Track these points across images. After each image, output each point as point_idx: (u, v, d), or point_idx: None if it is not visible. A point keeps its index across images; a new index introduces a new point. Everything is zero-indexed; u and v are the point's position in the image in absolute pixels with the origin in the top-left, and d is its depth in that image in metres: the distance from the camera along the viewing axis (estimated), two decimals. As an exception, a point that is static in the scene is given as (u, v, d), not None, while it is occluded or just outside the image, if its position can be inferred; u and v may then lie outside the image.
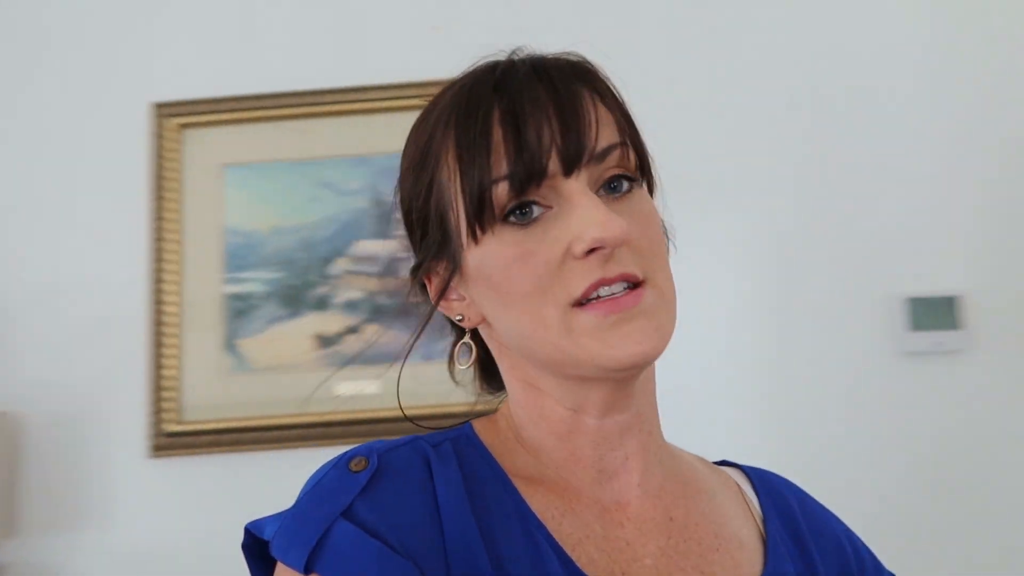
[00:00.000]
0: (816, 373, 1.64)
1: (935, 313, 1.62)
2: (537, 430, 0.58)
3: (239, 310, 1.65)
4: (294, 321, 1.65)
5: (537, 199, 0.52)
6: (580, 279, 0.50)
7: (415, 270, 0.61)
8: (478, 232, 0.53)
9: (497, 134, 0.52)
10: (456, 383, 0.67)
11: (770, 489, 0.66)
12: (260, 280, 1.66)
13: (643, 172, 0.56)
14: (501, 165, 0.51)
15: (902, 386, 1.62)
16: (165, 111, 1.71)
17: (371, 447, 0.53)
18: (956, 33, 1.74)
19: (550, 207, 0.52)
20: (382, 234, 1.67)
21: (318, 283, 1.65)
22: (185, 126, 1.70)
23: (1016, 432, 1.60)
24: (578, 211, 0.50)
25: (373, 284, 1.65)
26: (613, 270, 0.50)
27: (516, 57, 0.57)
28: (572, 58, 0.58)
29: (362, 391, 1.60)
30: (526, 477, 0.56)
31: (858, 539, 0.68)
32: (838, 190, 1.70)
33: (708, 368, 1.63)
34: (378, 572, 0.46)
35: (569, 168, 0.51)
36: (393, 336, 1.60)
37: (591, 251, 0.50)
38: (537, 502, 0.54)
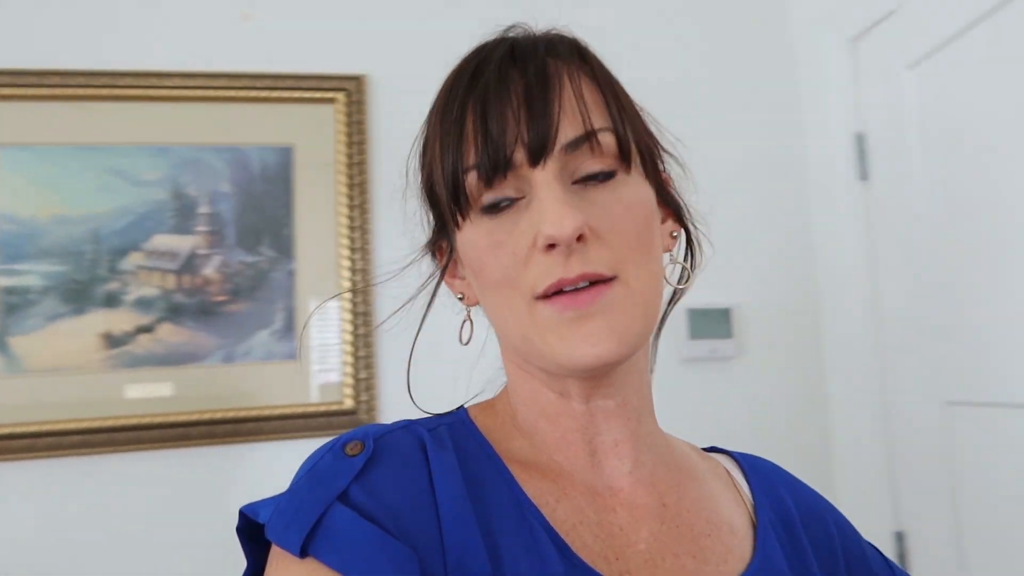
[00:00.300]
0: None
1: (711, 323, 1.79)
2: (529, 412, 0.58)
3: (13, 305, 1.50)
4: (78, 319, 1.52)
5: (509, 192, 0.52)
6: (543, 274, 0.50)
7: (426, 245, 0.62)
8: (458, 219, 0.54)
9: (469, 123, 0.52)
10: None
11: (760, 475, 0.66)
12: (38, 273, 1.52)
13: (628, 157, 0.54)
14: (470, 155, 0.52)
15: (684, 389, 1.78)
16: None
17: (366, 431, 0.53)
18: (718, 63, 1.93)
19: (522, 196, 0.52)
20: (182, 229, 1.58)
21: (108, 278, 1.54)
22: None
23: (778, 428, 1.81)
24: (540, 204, 0.50)
25: (171, 281, 1.57)
26: (574, 268, 0.50)
27: (507, 35, 0.57)
28: (551, 35, 0.57)
29: (154, 394, 1.52)
30: (521, 462, 0.56)
31: (842, 517, 0.68)
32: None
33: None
34: (374, 555, 0.45)
35: (535, 158, 0.51)
36: (189, 336, 1.54)
37: (551, 246, 0.50)
38: (532, 487, 0.54)
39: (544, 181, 0.50)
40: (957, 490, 1.46)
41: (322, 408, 1.58)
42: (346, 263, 1.63)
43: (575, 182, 0.52)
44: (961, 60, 1.41)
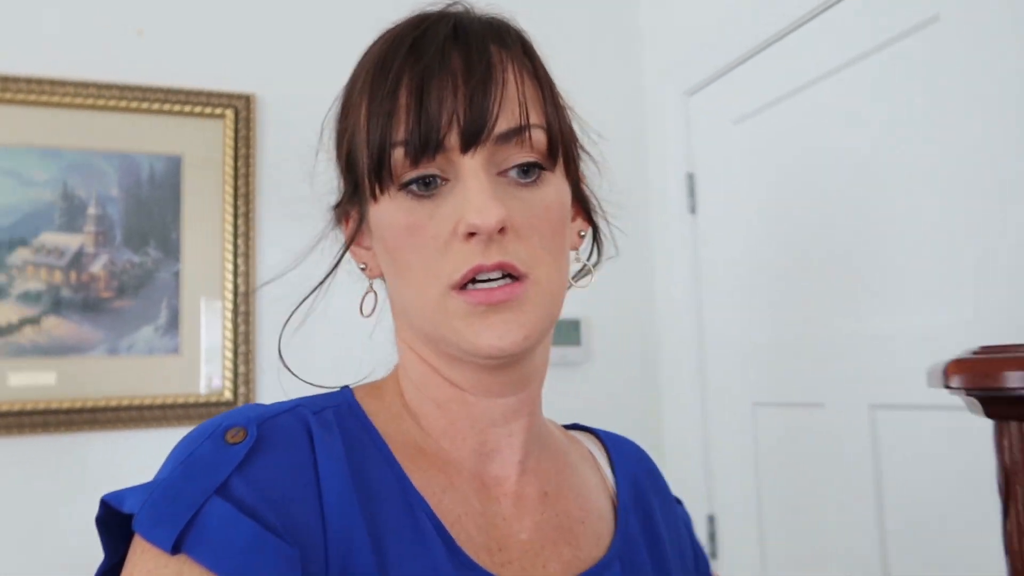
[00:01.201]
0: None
1: (564, 332, 2.02)
2: (419, 394, 0.58)
3: None
4: (-38, 309, 1.59)
5: (434, 171, 0.51)
6: (460, 262, 0.50)
7: (334, 208, 0.61)
8: (377, 191, 0.52)
9: (403, 97, 0.50)
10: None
11: (623, 456, 0.68)
12: (-77, 264, 1.58)
13: (555, 156, 0.54)
14: (400, 130, 0.50)
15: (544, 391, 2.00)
16: None
17: (248, 416, 0.50)
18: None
19: (447, 180, 0.51)
20: (70, 228, 1.68)
21: (-7, 272, 1.62)
22: None
23: (618, 424, 2.05)
24: (465, 192, 0.50)
25: (58, 276, 1.66)
26: (492, 257, 0.49)
27: (449, 11, 0.55)
28: (496, 20, 0.56)
29: (37, 382, 1.61)
30: (409, 447, 0.55)
31: (692, 527, 0.72)
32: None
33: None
34: (253, 555, 0.43)
35: (467, 145, 0.50)
36: (73, 328, 1.63)
37: (472, 235, 0.49)
38: (418, 477, 0.54)
39: (472, 169, 0.50)
40: (762, 480, 1.74)
41: (203, 399, 1.71)
42: (230, 266, 1.76)
43: (499, 173, 0.52)
44: (777, 120, 1.70)
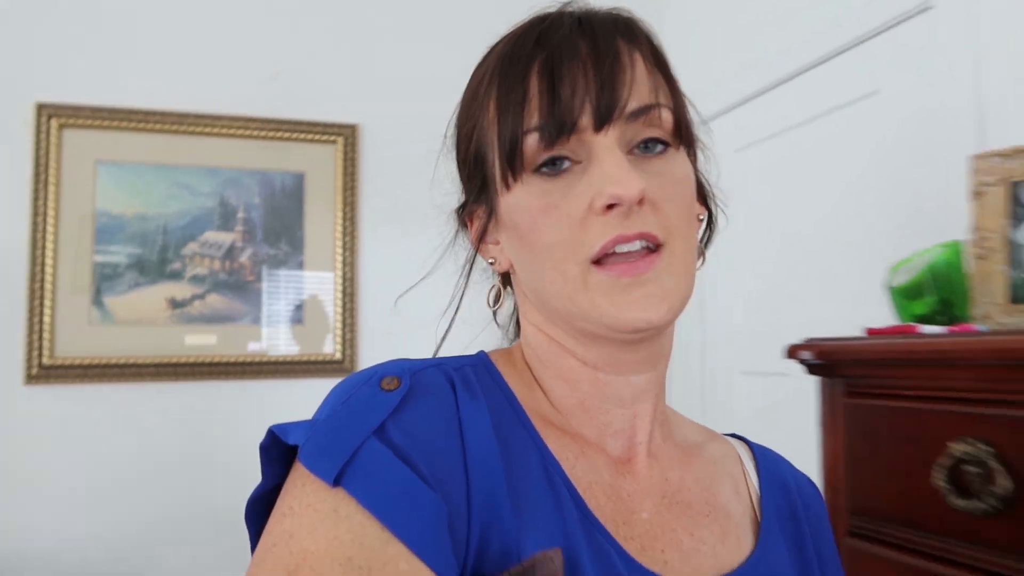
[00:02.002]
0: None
1: None
2: (547, 371, 0.58)
3: (106, 275, 2.16)
4: (152, 287, 2.19)
5: (566, 153, 0.51)
6: (599, 235, 0.50)
7: (460, 210, 0.61)
8: (510, 180, 0.52)
9: (534, 86, 0.51)
10: (497, 324, 0.66)
11: (771, 467, 0.66)
12: (124, 254, 2.17)
13: (680, 136, 0.54)
14: (534, 116, 0.51)
15: None
16: (48, 111, 2.14)
17: (402, 367, 0.51)
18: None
19: (579, 161, 0.52)
20: (225, 227, 2.26)
21: (172, 260, 2.21)
22: (64, 126, 2.16)
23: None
24: (602, 167, 0.50)
25: (216, 264, 2.24)
26: (632, 227, 0.50)
27: (567, 10, 0.56)
28: (620, 15, 0.56)
29: (203, 342, 2.20)
30: (540, 416, 0.56)
31: (826, 513, 0.68)
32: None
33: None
34: (404, 497, 0.44)
35: (600, 124, 0.50)
36: (227, 303, 2.22)
37: (611, 207, 0.49)
38: (553, 442, 0.54)
39: (606, 146, 0.50)
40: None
41: (319, 357, 2.30)
42: (339, 258, 2.33)
43: (630, 151, 0.52)
44: (772, 152, 2.18)
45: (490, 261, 0.60)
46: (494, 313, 0.64)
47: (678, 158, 0.55)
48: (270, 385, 2.27)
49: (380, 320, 2.35)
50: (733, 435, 0.69)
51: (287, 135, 2.33)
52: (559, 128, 0.50)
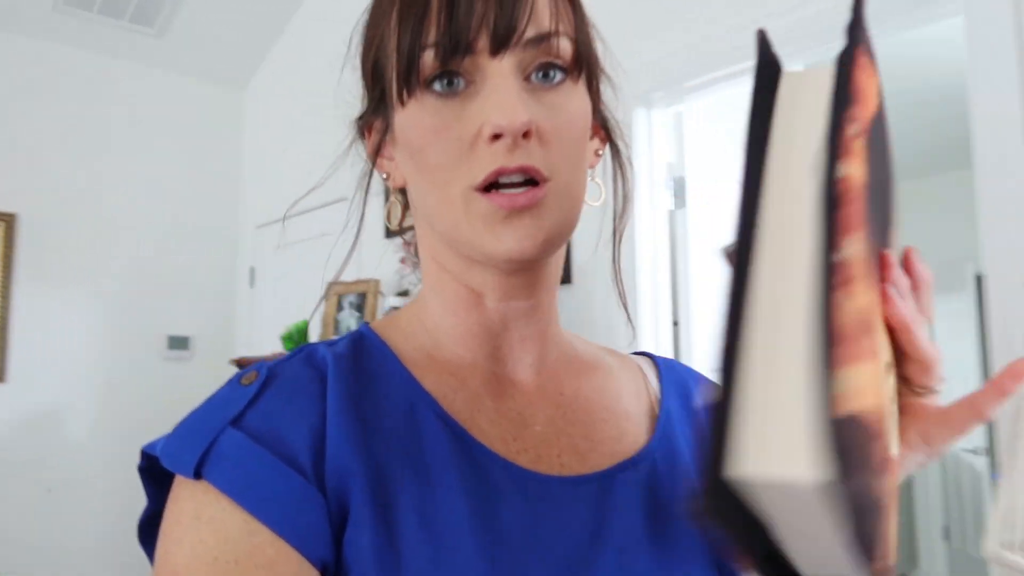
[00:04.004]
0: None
1: (178, 345, 3.52)
2: (437, 301, 0.59)
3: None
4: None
5: (461, 72, 0.51)
6: (483, 166, 0.50)
7: (357, 121, 0.61)
8: (404, 95, 0.52)
9: (435, 1, 0.51)
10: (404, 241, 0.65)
11: (673, 371, 0.68)
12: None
13: (580, 67, 0.54)
14: (431, 33, 0.51)
15: (164, 380, 3.39)
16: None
17: (261, 363, 0.53)
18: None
19: (473, 82, 0.51)
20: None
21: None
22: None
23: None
24: (492, 95, 0.50)
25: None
26: (515, 160, 0.49)
27: None
28: None
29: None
30: (421, 357, 0.58)
31: None
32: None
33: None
34: (265, 479, 0.46)
35: (496, 48, 0.50)
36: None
37: (496, 137, 0.49)
38: (430, 382, 0.56)
39: (500, 72, 0.50)
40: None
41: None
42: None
43: (526, 77, 0.52)
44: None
45: (384, 175, 0.61)
46: (398, 233, 0.62)
47: (575, 91, 0.54)
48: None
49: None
50: (642, 352, 0.71)
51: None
52: (454, 47, 0.50)
